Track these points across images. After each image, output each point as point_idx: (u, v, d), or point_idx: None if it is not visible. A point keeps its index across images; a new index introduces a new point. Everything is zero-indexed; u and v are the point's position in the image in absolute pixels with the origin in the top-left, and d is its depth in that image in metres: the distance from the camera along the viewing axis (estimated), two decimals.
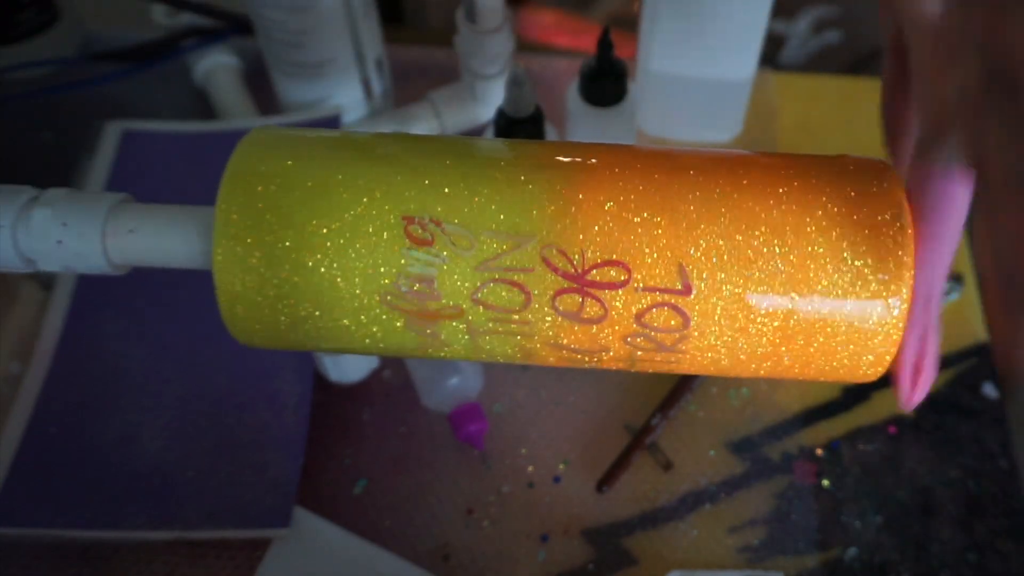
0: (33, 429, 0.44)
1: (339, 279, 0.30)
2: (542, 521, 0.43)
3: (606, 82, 0.48)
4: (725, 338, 0.30)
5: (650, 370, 0.32)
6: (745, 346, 0.30)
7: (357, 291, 0.30)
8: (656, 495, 0.44)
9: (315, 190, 0.30)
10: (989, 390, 0.47)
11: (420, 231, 0.30)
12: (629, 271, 0.29)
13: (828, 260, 0.29)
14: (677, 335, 0.30)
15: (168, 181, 0.53)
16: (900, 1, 0.28)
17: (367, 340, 0.32)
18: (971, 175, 0.27)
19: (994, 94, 0.24)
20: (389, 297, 0.30)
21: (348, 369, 0.46)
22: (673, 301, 0.29)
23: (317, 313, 0.31)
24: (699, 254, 0.29)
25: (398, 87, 0.59)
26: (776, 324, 0.29)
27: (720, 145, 0.57)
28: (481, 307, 0.30)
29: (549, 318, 0.30)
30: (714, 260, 0.29)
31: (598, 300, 0.29)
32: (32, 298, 0.49)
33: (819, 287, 0.29)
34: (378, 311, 0.30)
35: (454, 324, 0.30)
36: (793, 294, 0.29)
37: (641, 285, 0.29)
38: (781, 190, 0.30)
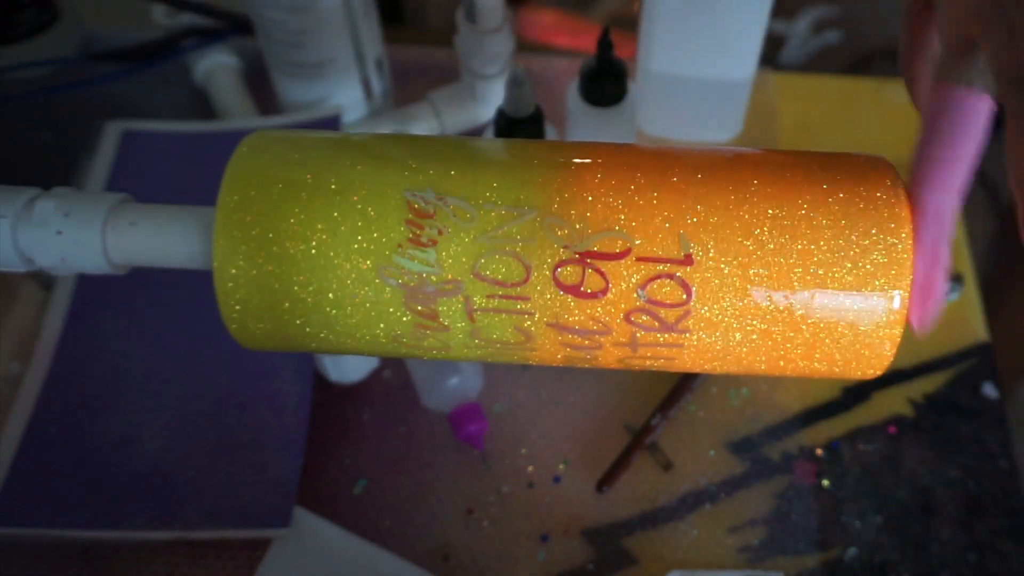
0: (33, 429, 0.44)
1: (341, 275, 0.30)
2: (542, 521, 0.43)
3: (606, 82, 0.48)
4: (727, 318, 0.29)
5: (651, 363, 0.32)
6: (743, 335, 0.30)
7: (360, 283, 0.30)
8: (656, 495, 0.44)
9: (315, 190, 0.30)
10: (989, 390, 0.47)
11: (422, 204, 0.30)
12: (630, 241, 0.29)
13: (828, 253, 0.29)
14: (680, 311, 0.29)
15: (168, 181, 0.53)
16: None
17: (367, 336, 0.31)
18: (991, 97, 0.28)
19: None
20: (389, 271, 0.30)
21: (348, 369, 0.46)
22: (675, 272, 0.29)
23: (317, 314, 0.31)
24: (699, 227, 0.29)
25: (398, 87, 0.59)
26: (775, 315, 0.30)
27: (720, 145, 0.57)
28: (481, 282, 0.30)
29: (549, 293, 0.29)
30: (713, 240, 0.29)
31: (599, 272, 0.29)
32: (32, 298, 0.49)
33: (819, 280, 0.29)
34: (377, 286, 0.30)
35: (453, 302, 0.30)
36: (793, 285, 0.29)
37: (642, 253, 0.29)
38: (782, 184, 0.30)
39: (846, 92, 0.61)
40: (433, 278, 0.30)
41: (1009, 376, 0.47)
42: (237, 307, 0.31)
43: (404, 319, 0.31)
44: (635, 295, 0.29)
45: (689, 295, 0.29)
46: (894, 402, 0.47)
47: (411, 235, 0.30)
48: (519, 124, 0.46)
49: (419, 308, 0.30)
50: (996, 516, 0.43)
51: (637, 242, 0.29)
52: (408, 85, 0.59)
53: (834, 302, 0.29)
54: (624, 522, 0.43)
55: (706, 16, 0.49)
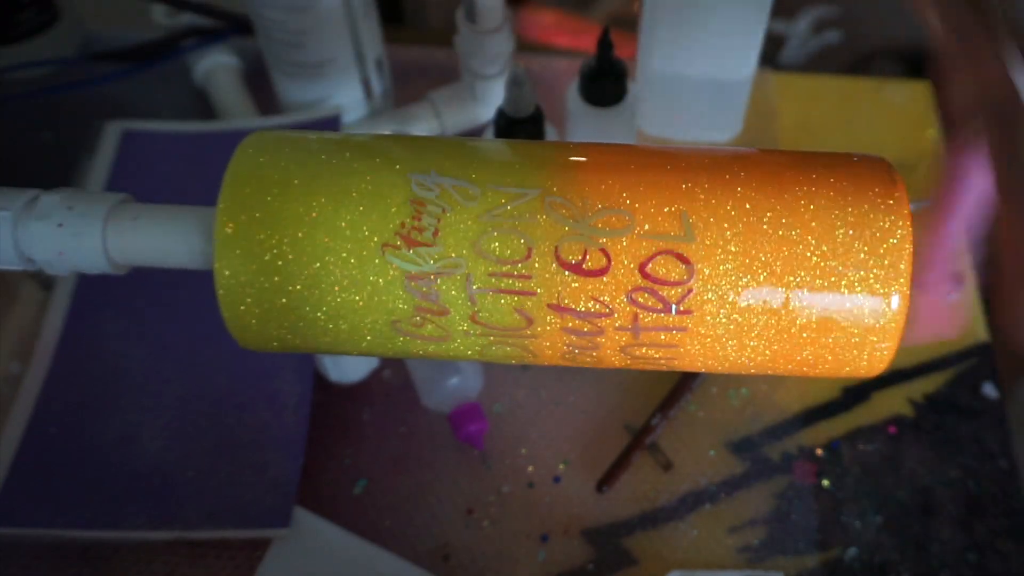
0: (33, 429, 0.44)
1: (343, 265, 0.30)
2: (542, 521, 0.43)
3: (606, 82, 0.48)
4: (728, 302, 0.29)
5: (653, 355, 0.31)
6: (744, 327, 0.30)
7: (362, 267, 0.30)
8: (656, 495, 0.44)
9: (316, 189, 0.30)
10: (989, 390, 0.47)
11: (425, 185, 0.30)
12: (631, 218, 0.29)
13: (827, 252, 0.29)
14: (682, 289, 0.29)
15: (168, 181, 0.53)
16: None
17: (367, 324, 0.31)
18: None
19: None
20: (390, 251, 0.30)
21: (348, 369, 0.46)
22: (677, 248, 0.29)
23: (319, 311, 0.31)
24: (700, 210, 0.29)
25: (398, 87, 0.59)
26: (774, 313, 0.30)
27: (718, 145, 0.57)
28: (482, 259, 0.29)
29: (551, 270, 0.29)
30: (714, 226, 0.29)
31: (601, 249, 0.29)
32: (32, 298, 0.49)
33: (818, 279, 0.29)
34: (379, 267, 0.30)
35: (454, 281, 0.30)
36: (792, 283, 0.29)
37: (644, 230, 0.29)
38: (781, 183, 0.30)
39: (846, 92, 0.61)
40: (435, 256, 0.30)
41: (1009, 376, 0.47)
42: (238, 307, 0.31)
43: (404, 304, 0.30)
44: (638, 275, 0.29)
45: (691, 273, 0.29)
46: (894, 402, 0.47)
47: (414, 213, 0.30)
48: (519, 124, 0.46)
49: (420, 289, 0.30)
50: (996, 516, 0.43)
51: (638, 219, 0.29)
52: (408, 85, 0.59)
53: (833, 301, 0.29)
54: (624, 522, 0.43)
55: (706, 16, 0.49)
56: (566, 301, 0.30)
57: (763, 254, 0.29)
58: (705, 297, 0.29)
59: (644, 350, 0.31)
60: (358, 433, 0.46)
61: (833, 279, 0.29)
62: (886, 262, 0.29)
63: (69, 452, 0.43)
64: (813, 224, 0.29)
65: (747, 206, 0.29)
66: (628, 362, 0.32)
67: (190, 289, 0.47)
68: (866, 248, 0.29)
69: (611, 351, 0.31)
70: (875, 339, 0.30)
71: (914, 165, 0.41)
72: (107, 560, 0.42)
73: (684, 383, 0.46)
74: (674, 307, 0.30)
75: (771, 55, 0.86)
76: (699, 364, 0.32)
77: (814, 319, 0.30)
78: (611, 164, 0.31)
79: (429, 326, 0.31)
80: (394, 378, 0.47)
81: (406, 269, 0.30)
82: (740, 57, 0.52)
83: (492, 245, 0.30)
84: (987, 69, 0.26)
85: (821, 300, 0.29)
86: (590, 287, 0.30)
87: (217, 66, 0.59)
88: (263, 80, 0.57)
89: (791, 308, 0.30)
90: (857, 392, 0.47)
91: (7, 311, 0.49)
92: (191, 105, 0.60)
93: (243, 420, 0.44)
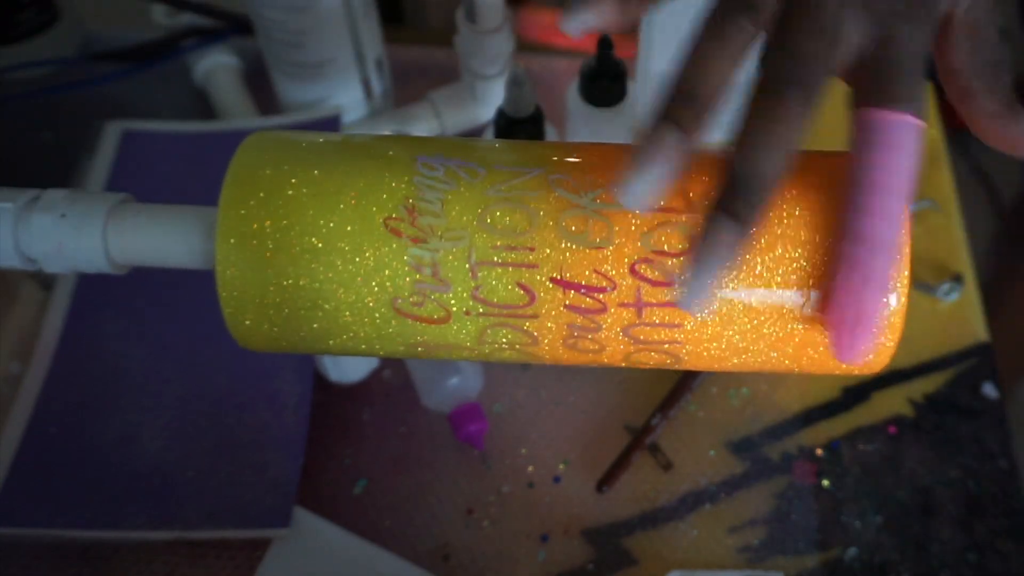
0: (33, 429, 0.44)
1: (344, 253, 0.30)
2: (542, 521, 0.43)
3: (606, 82, 0.48)
4: (729, 281, 0.29)
5: (656, 338, 0.30)
6: (745, 318, 0.30)
7: (364, 240, 0.30)
8: (656, 495, 0.44)
9: (316, 190, 0.30)
10: (989, 390, 0.47)
11: (431, 165, 0.31)
12: (640, 224, 0.30)
13: (828, 256, 0.29)
14: (684, 260, 0.29)
15: (168, 181, 0.53)
16: None
17: (367, 314, 0.31)
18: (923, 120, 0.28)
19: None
20: (393, 224, 0.30)
21: (348, 369, 0.46)
22: (680, 218, 0.29)
23: (320, 313, 0.31)
24: (704, 193, 0.30)
25: (398, 87, 0.59)
26: (771, 310, 0.30)
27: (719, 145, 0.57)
28: (486, 232, 0.29)
29: (554, 242, 0.29)
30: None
31: (604, 219, 0.29)
32: (32, 298, 0.49)
33: (817, 276, 0.29)
34: (381, 238, 0.30)
35: (457, 252, 0.30)
36: (790, 281, 0.29)
37: (649, 236, 0.29)
38: (784, 194, 0.30)
39: (846, 92, 0.61)
40: (438, 228, 0.30)
41: (1009, 376, 0.47)
42: (239, 307, 0.31)
43: (404, 280, 0.30)
44: (640, 245, 0.29)
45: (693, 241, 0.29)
46: (894, 402, 0.47)
47: (418, 189, 0.30)
48: (519, 124, 0.46)
49: (421, 262, 0.30)
50: (996, 516, 0.43)
51: None
52: (408, 85, 0.59)
53: (833, 298, 0.29)
54: (624, 522, 0.43)
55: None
56: (568, 274, 0.29)
57: (760, 262, 0.29)
58: None
59: (647, 332, 0.30)
60: (358, 433, 0.46)
61: (832, 278, 0.29)
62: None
63: (69, 452, 0.43)
64: (812, 230, 0.29)
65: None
66: (630, 349, 0.31)
67: (190, 289, 0.47)
68: None
69: (614, 333, 0.30)
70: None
71: None
72: (107, 560, 0.42)
73: (684, 383, 0.46)
74: (677, 279, 0.29)
75: None
76: (701, 352, 0.31)
77: (812, 318, 0.30)
78: (612, 152, 0.32)
79: (429, 305, 0.30)
80: (394, 378, 0.47)
81: (408, 242, 0.30)
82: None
83: (495, 218, 0.30)
84: None
85: (819, 299, 0.29)
86: (592, 258, 0.29)
87: (217, 66, 0.59)
88: (263, 80, 0.57)
89: (790, 309, 0.29)
90: (857, 392, 0.47)
91: (7, 311, 0.49)
92: (191, 105, 0.60)
93: (243, 420, 0.44)
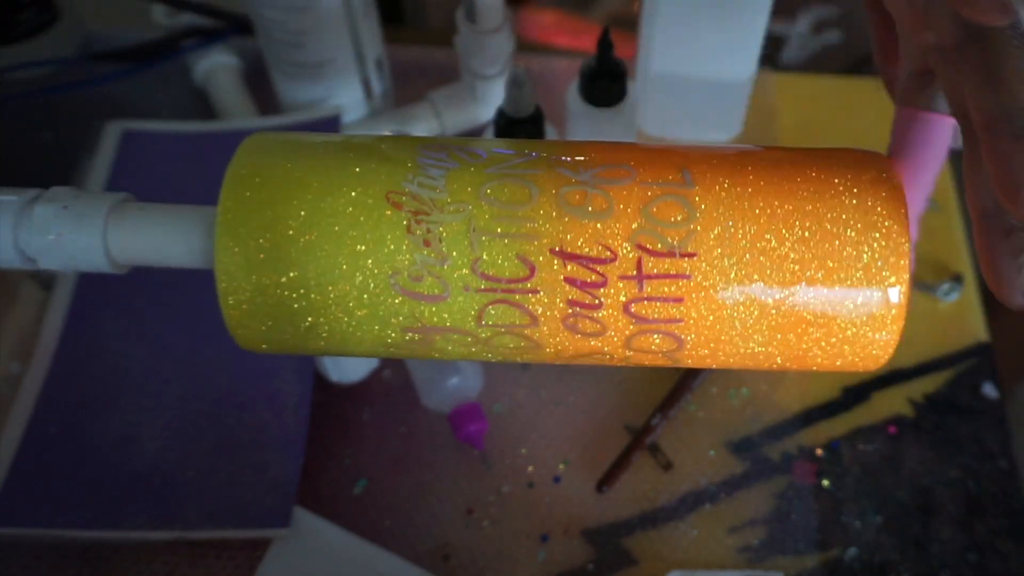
0: (33, 429, 0.44)
1: (344, 240, 0.30)
2: (542, 521, 0.43)
3: (606, 82, 0.48)
4: (729, 253, 0.29)
5: (658, 315, 0.30)
6: (745, 310, 0.30)
7: (362, 211, 0.30)
8: (656, 495, 0.44)
9: (316, 189, 0.30)
10: (989, 390, 0.47)
11: (433, 147, 0.31)
12: (633, 171, 0.30)
13: (827, 246, 0.29)
14: (684, 230, 0.29)
15: (168, 181, 0.53)
16: None
17: (364, 277, 0.30)
18: (952, 117, 0.28)
19: (967, 48, 0.26)
20: (395, 198, 0.30)
21: (348, 369, 0.46)
22: (678, 192, 0.30)
23: (320, 318, 0.31)
24: (703, 179, 0.30)
25: (398, 87, 0.59)
26: (775, 307, 0.30)
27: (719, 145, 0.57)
28: (487, 204, 0.30)
29: (555, 213, 0.29)
30: (713, 214, 0.30)
31: (604, 193, 0.30)
32: (32, 298, 0.49)
33: (818, 272, 0.29)
34: (380, 209, 0.30)
35: (457, 225, 0.30)
36: (791, 278, 0.29)
37: (645, 180, 0.30)
38: (781, 178, 0.30)
39: (846, 92, 0.61)
40: (440, 201, 0.30)
41: (1009, 376, 0.47)
42: (240, 307, 0.31)
43: (404, 255, 0.30)
44: (640, 218, 0.29)
45: (693, 213, 0.29)
46: (894, 402, 0.47)
47: (422, 168, 0.30)
48: (519, 124, 0.46)
49: (422, 234, 0.30)
50: (996, 516, 0.43)
51: (640, 172, 0.30)
52: (408, 85, 0.59)
53: (833, 295, 0.29)
54: (624, 522, 0.43)
55: (706, 16, 0.49)
56: (568, 246, 0.29)
57: (760, 262, 0.29)
58: (708, 238, 0.29)
59: (649, 308, 0.30)
60: (358, 433, 0.46)
61: (833, 275, 0.29)
62: (885, 255, 0.29)
63: (69, 452, 0.43)
64: (812, 221, 0.29)
65: (749, 193, 0.30)
66: (632, 329, 0.30)
67: (190, 289, 0.47)
68: (866, 242, 0.29)
69: (615, 311, 0.30)
70: (876, 332, 0.30)
71: None
72: (107, 560, 0.42)
73: (684, 383, 0.46)
74: (677, 249, 0.29)
75: (771, 55, 0.86)
76: (704, 338, 0.31)
77: (815, 315, 0.30)
78: (613, 145, 0.32)
79: (429, 280, 0.30)
80: (394, 378, 0.47)
81: (408, 215, 0.30)
82: (740, 57, 0.52)
83: (496, 191, 0.30)
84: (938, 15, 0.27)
85: (821, 296, 0.29)
86: (592, 229, 0.29)
87: (217, 66, 0.59)
88: (263, 80, 0.57)
89: (791, 307, 0.30)
90: (857, 392, 0.47)
91: (7, 311, 0.49)
92: (191, 105, 0.60)
93: (243, 420, 0.44)
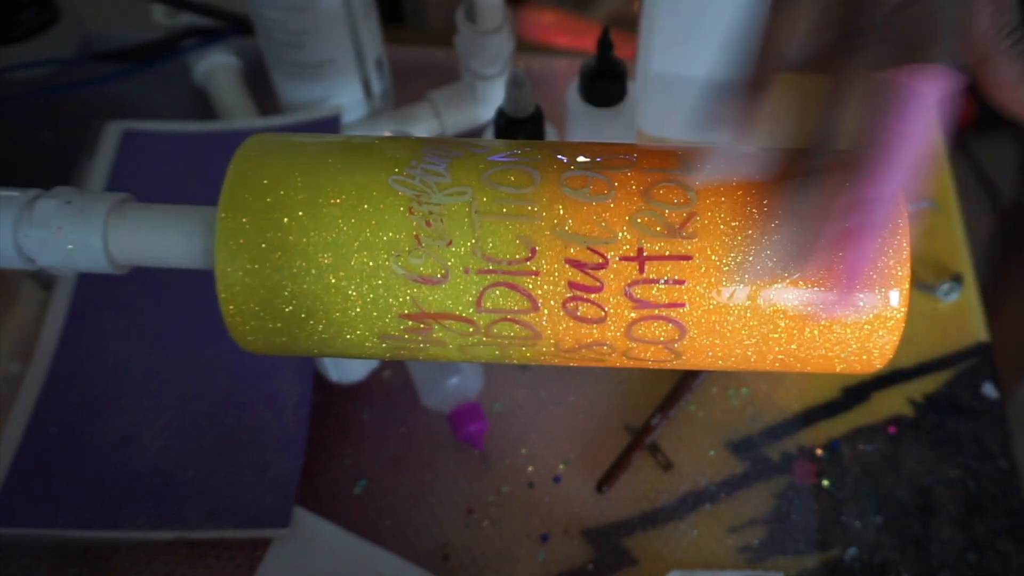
0: (33, 429, 0.44)
1: (343, 228, 0.30)
2: (542, 521, 0.43)
3: (606, 82, 0.48)
4: (729, 233, 0.29)
5: (659, 294, 0.30)
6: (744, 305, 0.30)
7: (366, 193, 0.30)
8: (656, 495, 0.44)
9: (317, 187, 0.30)
10: (989, 390, 0.47)
11: (436, 142, 0.32)
12: (634, 159, 0.31)
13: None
14: (684, 212, 0.29)
15: (168, 181, 0.53)
16: None
17: (365, 291, 0.30)
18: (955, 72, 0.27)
19: None
20: (398, 180, 0.30)
21: (348, 369, 0.46)
22: (677, 176, 0.30)
23: (320, 322, 0.31)
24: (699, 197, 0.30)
25: (398, 87, 0.59)
26: (774, 309, 0.30)
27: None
28: (489, 187, 0.30)
29: (556, 196, 0.30)
30: (710, 217, 0.30)
31: (605, 179, 0.30)
32: (32, 298, 0.49)
33: (815, 279, 0.29)
34: (384, 191, 0.30)
35: (459, 207, 0.30)
36: (788, 288, 0.29)
37: (646, 167, 0.31)
38: (782, 178, 0.30)
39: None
40: (443, 184, 0.30)
41: (1009, 376, 0.47)
42: (240, 308, 0.31)
43: (405, 233, 0.30)
44: (641, 200, 0.30)
45: (693, 197, 0.30)
46: (894, 402, 0.47)
47: (424, 155, 0.31)
48: (519, 124, 0.46)
49: (423, 214, 0.30)
50: (996, 516, 0.43)
51: (641, 161, 0.31)
52: (408, 85, 0.59)
53: (832, 299, 0.29)
54: (624, 522, 0.43)
55: (706, 16, 0.49)
56: (569, 227, 0.30)
57: (760, 262, 0.29)
58: (707, 220, 0.29)
59: (650, 292, 0.30)
60: (358, 433, 0.46)
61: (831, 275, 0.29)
62: (884, 257, 0.29)
63: (69, 452, 0.43)
64: None
65: (748, 192, 0.30)
66: (633, 315, 0.30)
67: (190, 289, 0.47)
68: None
69: (616, 294, 0.30)
70: (875, 334, 0.30)
71: None
72: (107, 560, 0.42)
73: (684, 383, 0.46)
74: (678, 230, 0.29)
75: None
76: (705, 326, 0.30)
77: (813, 316, 0.30)
78: (613, 144, 0.33)
79: (429, 261, 0.30)
80: (394, 378, 0.47)
81: (411, 197, 0.30)
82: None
83: (498, 176, 0.30)
84: None
85: (820, 295, 0.29)
86: (594, 210, 0.30)
87: (217, 66, 0.59)
88: (263, 80, 0.57)
89: (791, 308, 0.30)
90: (857, 392, 0.47)
91: (7, 311, 0.49)
92: (191, 105, 0.60)
93: (243, 420, 0.44)
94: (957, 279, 0.50)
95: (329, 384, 0.47)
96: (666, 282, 0.30)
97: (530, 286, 0.30)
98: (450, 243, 0.30)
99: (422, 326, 0.31)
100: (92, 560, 0.42)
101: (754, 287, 0.29)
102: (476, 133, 0.56)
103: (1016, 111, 0.29)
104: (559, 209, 0.30)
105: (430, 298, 0.30)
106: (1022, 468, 0.45)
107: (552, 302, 0.30)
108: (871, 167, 0.26)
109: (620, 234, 0.29)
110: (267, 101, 0.58)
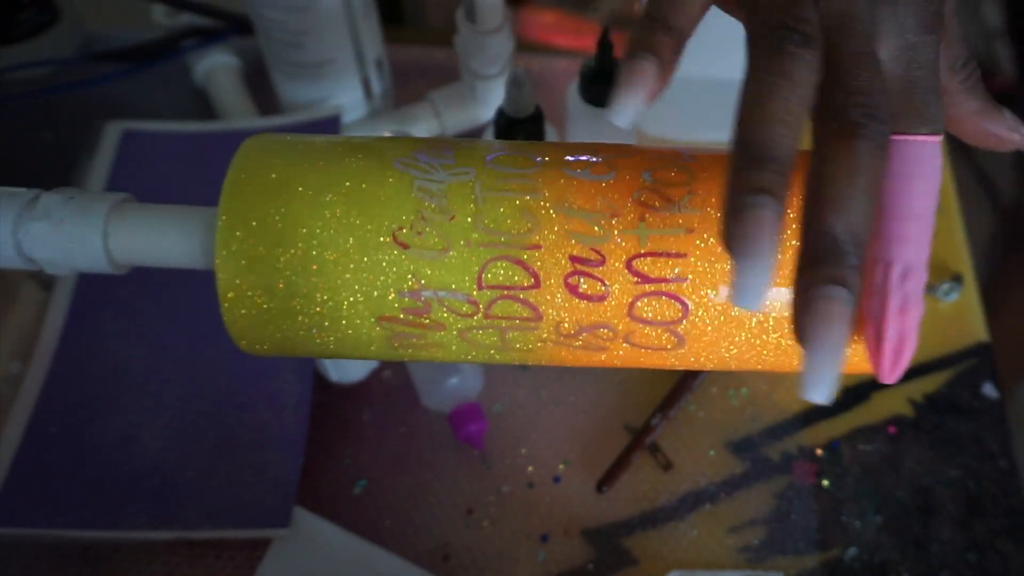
0: (33, 429, 0.44)
1: (345, 260, 0.30)
2: (542, 521, 0.43)
3: (606, 82, 0.47)
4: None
5: (661, 267, 0.29)
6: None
7: (368, 175, 0.30)
8: (656, 495, 0.44)
9: (317, 187, 0.30)
10: (989, 390, 0.47)
11: (438, 142, 0.32)
12: (635, 150, 0.32)
13: None
14: (685, 189, 0.30)
15: (168, 181, 0.53)
16: None
17: (363, 235, 0.30)
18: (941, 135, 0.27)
19: None
20: (404, 161, 0.31)
21: (348, 369, 0.46)
22: (679, 160, 0.31)
23: (320, 300, 0.31)
24: (702, 179, 0.31)
25: (398, 87, 0.59)
26: (772, 310, 0.30)
27: (720, 145, 0.57)
28: (493, 168, 0.31)
29: (559, 174, 0.30)
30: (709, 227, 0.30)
31: (608, 162, 0.31)
32: (32, 298, 0.49)
33: None
34: (389, 173, 0.31)
35: (462, 186, 0.30)
36: (789, 285, 0.29)
37: (647, 155, 0.31)
38: None
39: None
40: (448, 166, 0.31)
41: (1009, 376, 0.47)
42: (239, 308, 0.31)
43: (407, 213, 0.30)
44: (643, 176, 0.30)
45: (693, 176, 0.30)
46: (894, 402, 0.47)
47: (429, 145, 0.32)
48: (519, 124, 0.46)
49: (427, 187, 0.30)
50: (996, 516, 0.43)
51: (642, 151, 0.31)
52: (408, 85, 0.59)
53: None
54: (624, 522, 0.43)
55: (707, 16, 0.49)
56: (570, 202, 0.30)
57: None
58: (709, 199, 0.30)
59: (653, 266, 0.29)
60: (358, 433, 0.46)
61: None
62: None
63: (69, 452, 0.43)
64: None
65: None
66: (636, 290, 0.30)
67: (190, 289, 0.47)
68: None
69: (618, 268, 0.29)
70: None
71: None
72: (107, 560, 0.42)
73: (684, 383, 0.46)
74: (680, 205, 0.30)
75: None
76: (706, 305, 0.30)
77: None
78: (614, 144, 0.33)
79: (430, 233, 0.30)
80: (394, 378, 0.47)
81: (415, 177, 0.30)
82: (740, 57, 0.51)
83: (502, 160, 0.31)
84: None
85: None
86: (596, 187, 0.30)
87: (217, 66, 0.59)
88: (263, 80, 0.57)
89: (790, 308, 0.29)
90: (857, 392, 0.47)
91: (7, 311, 0.49)
92: (191, 105, 0.60)
93: (243, 420, 0.44)
94: (957, 279, 0.50)
95: (329, 384, 0.47)
96: (668, 255, 0.29)
97: (532, 260, 0.30)
98: (453, 217, 0.30)
99: (421, 304, 0.31)
100: (92, 560, 0.42)
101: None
102: (476, 133, 0.56)
103: (979, 142, 0.29)
104: (561, 185, 0.30)
105: (430, 272, 0.30)
106: (1022, 468, 0.45)
107: (553, 278, 0.30)
108: (903, 237, 0.26)
109: (622, 209, 0.30)
110: (267, 101, 0.58)
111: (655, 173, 0.30)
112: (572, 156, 0.31)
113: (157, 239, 0.33)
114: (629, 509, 0.44)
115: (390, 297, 0.30)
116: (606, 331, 0.31)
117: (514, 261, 0.30)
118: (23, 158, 0.58)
